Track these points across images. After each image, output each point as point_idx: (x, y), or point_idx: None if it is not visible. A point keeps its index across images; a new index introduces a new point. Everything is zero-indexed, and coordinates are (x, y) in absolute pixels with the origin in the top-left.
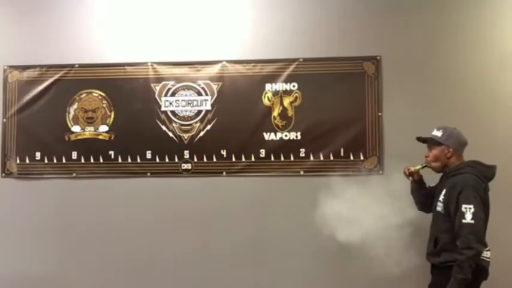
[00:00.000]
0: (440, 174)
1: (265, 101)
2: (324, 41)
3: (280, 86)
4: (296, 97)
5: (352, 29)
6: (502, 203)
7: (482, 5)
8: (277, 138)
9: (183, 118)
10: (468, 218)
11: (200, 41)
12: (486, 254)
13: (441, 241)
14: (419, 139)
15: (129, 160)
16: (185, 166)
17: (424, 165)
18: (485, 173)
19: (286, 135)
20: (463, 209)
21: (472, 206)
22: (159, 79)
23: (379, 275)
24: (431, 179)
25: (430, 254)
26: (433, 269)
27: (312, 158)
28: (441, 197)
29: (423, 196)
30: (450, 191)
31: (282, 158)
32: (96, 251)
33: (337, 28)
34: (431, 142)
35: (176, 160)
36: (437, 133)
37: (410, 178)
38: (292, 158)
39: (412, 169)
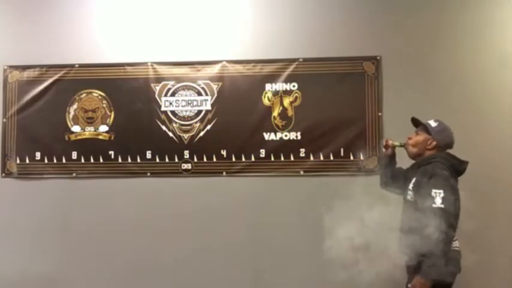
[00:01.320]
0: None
1: (265, 101)
2: (324, 41)
3: (280, 86)
4: (296, 97)
5: (352, 29)
6: (502, 203)
7: (482, 5)
8: (277, 138)
9: (183, 118)
10: (438, 202)
11: (200, 41)
12: (455, 243)
13: (412, 230)
14: (414, 121)
15: (129, 160)
16: (185, 166)
17: (402, 144)
18: (456, 166)
19: (286, 135)
20: (433, 194)
21: (441, 191)
22: (159, 79)
23: (380, 275)
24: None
25: (403, 244)
26: (408, 264)
27: (312, 158)
28: (411, 186)
29: (391, 174)
30: (420, 178)
31: (282, 158)
32: (96, 251)
33: (337, 28)
34: (421, 128)
35: (176, 160)
36: (433, 123)
37: (384, 150)
38: (292, 158)
39: (390, 143)
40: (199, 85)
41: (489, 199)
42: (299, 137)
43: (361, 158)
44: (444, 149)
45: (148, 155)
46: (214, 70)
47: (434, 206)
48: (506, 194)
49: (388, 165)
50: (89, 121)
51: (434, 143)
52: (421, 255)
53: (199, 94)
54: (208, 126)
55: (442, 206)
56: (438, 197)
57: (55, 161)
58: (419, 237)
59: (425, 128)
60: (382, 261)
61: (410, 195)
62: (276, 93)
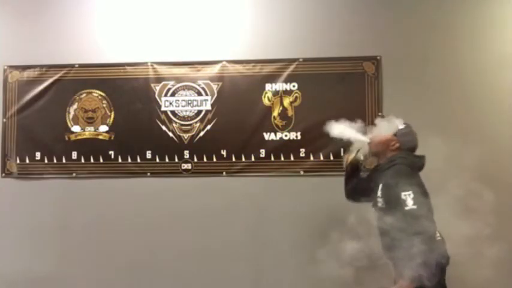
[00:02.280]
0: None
1: (265, 101)
2: (324, 41)
3: (280, 86)
4: (296, 97)
5: (352, 29)
6: (502, 203)
7: (482, 5)
8: (277, 138)
9: (183, 118)
10: (410, 204)
11: (200, 41)
12: (436, 233)
13: (391, 236)
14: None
15: (129, 160)
16: (185, 166)
17: (358, 150)
18: (416, 163)
19: (286, 135)
20: (403, 197)
21: (410, 192)
22: (159, 79)
23: (379, 275)
24: None
25: (386, 252)
26: (393, 267)
27: (312, 158)
28: (379, 192)
29: (357, 185)
30: (386, 184)
31: (282, 158)
32: (96, 251)
33: (337, 28)
34: None
35: (176, 160)
36: (400, 125)
37: (349, 167)
38: (292, 158)
39: (350, 158)
40: (199, 85)
41: (488, 199)
42: (299, 137)
43: (361, 158)
44: (406, 151)
45: (148, 155)
46: (214, 70)
47: (407, 208)
48: (506, 194)
49: (353, 177)
50: (89, 121)
51: (397, 144)
52: (406, 258)
53: (199, 94)
54: (208, 126)
55: (415, 206)
56: (409, 199)
57: (55, 161)
58: (400, 243)
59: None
60: (381, 261)
61: (380, 202)
62: (276, 93)
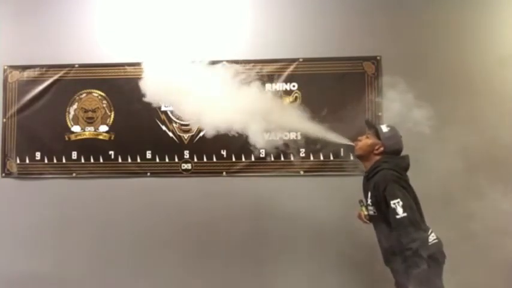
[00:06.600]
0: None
1: None
2: (324, 41)
3: (280, 86)
4: (296, 97)
5: (352, 29)
6: (504, 204)
7: (482, 6)
8: (277, 138)
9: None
10: (400, 212)
11: (200, 41)
12: (431, 237)
13: (388, 244)
14: (368, 123)
15: (129, 160)
16: (185, 166)
17: (362, 204)
18: (400, 164)
19: (286, 135)
20: (392, 205)
21: (399, 200)
22: None
23: (381, 275)
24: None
25: (385, 259)
26: (393, 272)
27: (312, 158)
28: (369, 200)
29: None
30: (374, 191)
31: (282, 158)
32: (96, 251)
33: (337, 28)
34: (373, 131)
35: (176, 160)
36: (384, 128)
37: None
38: (292, 158)
39: (364, 214)
40: None
41: (488, 199)
42: (299, 137)
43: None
44: (391, 155)
45: (148, 155)
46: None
47: (398, 217)
48: (505, 194)
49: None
50: (89, 121)
51: (382, 148)
52: (405, 266)
53: None
54: None
55: (405, 214)
56: (398, 207)
57: (55, 161)
58: (397, 251)
59: (376, 131)
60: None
61: (372, 209)
62: (276, 93)
